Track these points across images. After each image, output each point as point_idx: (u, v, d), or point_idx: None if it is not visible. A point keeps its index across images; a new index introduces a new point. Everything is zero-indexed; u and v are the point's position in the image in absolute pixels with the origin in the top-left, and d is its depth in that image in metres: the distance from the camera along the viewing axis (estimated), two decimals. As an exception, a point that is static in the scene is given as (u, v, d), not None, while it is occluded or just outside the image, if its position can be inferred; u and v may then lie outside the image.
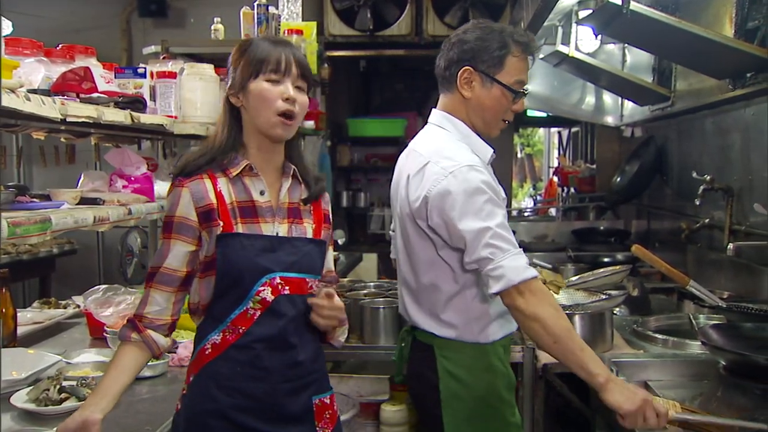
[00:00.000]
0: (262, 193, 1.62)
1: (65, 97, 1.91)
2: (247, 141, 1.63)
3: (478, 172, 1.78)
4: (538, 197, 8.66)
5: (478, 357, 1.88)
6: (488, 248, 1.69)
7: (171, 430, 1.70)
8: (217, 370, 1.58)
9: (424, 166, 1.84)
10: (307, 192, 1.69)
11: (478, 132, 1.91)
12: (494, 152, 1.92)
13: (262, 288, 1.57)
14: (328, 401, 1.69)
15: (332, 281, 1.82)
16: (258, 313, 1.58)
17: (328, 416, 1.68)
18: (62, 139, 2.66)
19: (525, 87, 1.87)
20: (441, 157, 1.82)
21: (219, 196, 1.58)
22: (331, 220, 1.77)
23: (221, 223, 1.56)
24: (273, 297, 1.57)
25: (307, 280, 1.62)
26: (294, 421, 1.62)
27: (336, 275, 1.85)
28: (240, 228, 1.58)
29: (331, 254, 1.82)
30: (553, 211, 5.90)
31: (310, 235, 1.66)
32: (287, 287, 1.59)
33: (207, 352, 1.59)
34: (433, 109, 1.99)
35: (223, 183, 1.59)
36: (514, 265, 1.68)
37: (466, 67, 1.85)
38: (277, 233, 1.61)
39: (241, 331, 1.57)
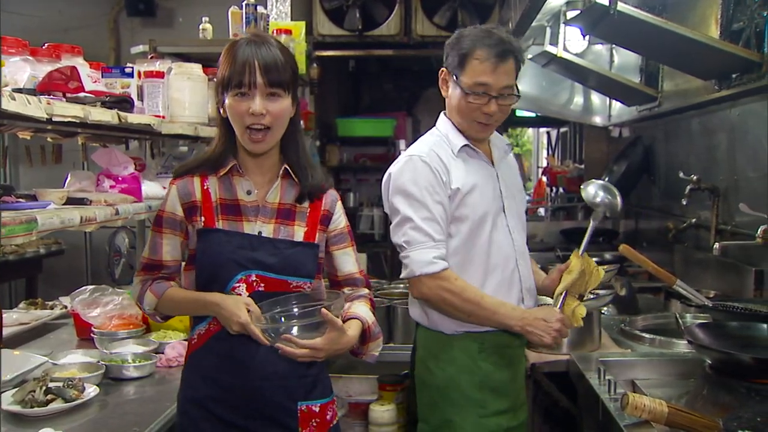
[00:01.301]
0: (249, 192, 1.65)
1: (51, 96, 1.89)
2: (239, 145, 1.66)
3: (419, 162, 1.87)
4: (527, 197, 8.69)
5: (441, 347, 1.94)
6: (405, 237, 1.86)
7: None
8: (200, 359, 1.64)
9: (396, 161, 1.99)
10: (299, 193, 1.68)
11: (464, 132, 1.96)
12: (469, 144, 1.94)
13: (237, 284, 1.59)
14: (317, 409, 1.65)
15: (357, 283, 1.77)
16: None
17: (315, 424, 1.64)
18: (49, 139, 2.64)
19: (490, 89, 1.87)
20: (405, 151, 1.97)
21: (205, 193, 1.64)
22: (335, 220, 1.73)
23: (203, 219, 1.62)
24: (247, 294, 1.59)
25: (290, 281, 1.62)
26: (273, 422, 1.61)
27: (364, 277, 1.80)
28: (221, 224, 1.62)
29: (346, 255, 1.76)
30: (542, 211, 5.92)
31: (299, 238, 1.65)
32: (263, 284, 1.60)
33: (193, 342, 1.66)
34: None
35: (211, 181, 1.65)
36: (420, 258, 1.83)
37: (443, 68, 1.96)
38: (259, 233, 1.62)
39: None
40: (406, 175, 1.89)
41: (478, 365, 1.92)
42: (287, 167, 1.67)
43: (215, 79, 1.65)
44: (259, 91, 1.57)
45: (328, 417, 1.67)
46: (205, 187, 1.64)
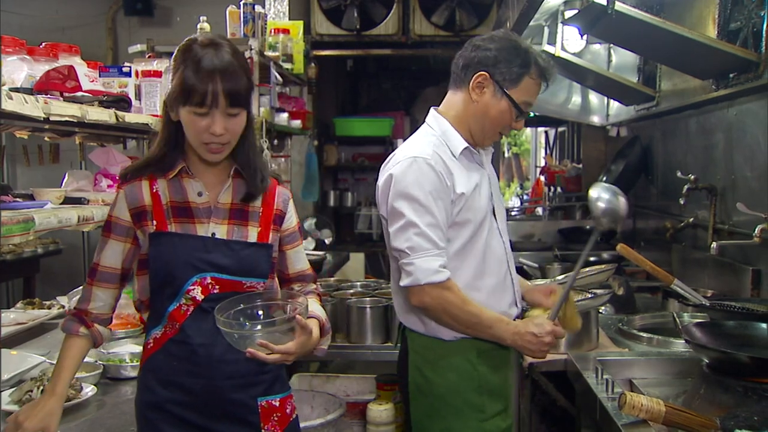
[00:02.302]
0: (200, 194, 1.61)
1: (48, 95, 1.89)
2: (187, 147, 1.62)
3: (424, 164, 1.81)
4: (525, 196, 8.68)
5: (441, 354, 1.90)
6: (408, 243, 1.79)
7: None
8: (157, 363, 1.61)
9: (389, 161, 1.92)
10: (247, 189, 1.64)
11: (473, 136, 1.92)
12: (470, 147, 1.91)
13: (192, 287, 1.58)
14: (277, 404, 1.66)
15: (306, 279, 1.79)
16: (190, 309, 1.59)
17: (276, 419, 1.65)
18: (46, 138, 2.64)
19: (530, 108, 1.90)
20: (401, 150, 1.90)
21: (155, 196, 1.60)
22: (288, 219, 1.71)
23: (155, 223, 1.59)
24: (203, 296, 1.58)
25: (244, 282, 1.61)
26: (236, 421, 1.61)
27: (313, 273, 1.81)
28: (173, 227, 1.59)
29: (298, 253, 1.77)
30: (539, 211, 5.92)
31: (253, 239, 1.63)
32: (217, 286, 1.59)
33: (149, 347, 1.63)
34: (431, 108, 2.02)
35: (160, 184, 1.61)
36: (426, 267, 1.77)
37: (483, 73, 1.85)
38: (213, 234, 1.60)
39: (177, 326, 1.60)
40: (411, 178, 1.81)
41: (477, 369, 1.90)
42: (237, 167, 1.63)
43: (169, 78, 1.57)
44: (220, 112, 1.52)
45: (287, 411, 1.68)
46: (154, 190, 1.60)
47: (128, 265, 1.64)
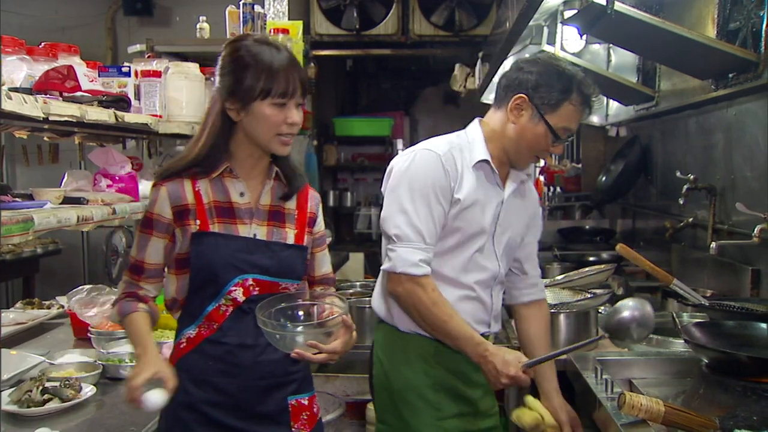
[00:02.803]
0: (242, 194, 1.63)
1: (48, 95, 1.89)
2: (234, 148, 1.62)
3: (431, 157, 1.82)
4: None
5: (399, 347, 1.91)
6: (396, 229, 1.80)
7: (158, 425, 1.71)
8: (191, 363, 1.60)
9: (407, 149, 1.94)
10: (287, 190, 1.68)
11: (508, 156, 1.90)
12: (489, 162, 1.88)
13: (234, 288, 1.58)
14: (306, 402, 1.68)
15: (329, 282, 1.81)
16: (230, 309, 1.59)
17: (305, 417, 1.67)
18: (45, 138, 2.63)
19: (569, 135, 1.86)
20: (423, 142, 1.91)
21: (197, 195, 1.60)
22: (318, 222, 1.75)
23: (198, 222, 1.58)
24: (244, 298, 1.59)
25: (281, 283, 1.62)
26: (268, 420, 1.63)
27: (333, 276, 1.84)
28: (216, 227, 1.59)
29: (325, 256, 1.80)
30: (539, 211, 5.92)
31: (290, 240, 1.66)
32: (258, 288, 1.60)
33: (182, 346, 1.63)
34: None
35: (202, 183, 1.61)
36: (406, 257, 1.79)
37: (522, 96, 1.83)
38: (254, 235, 1.62)
39: (214, 326, 1.60)
40: (417, 167, 1.82)
41: (433, 367, 1.90)
42: (278, 169, 1.66)
43: (227, 79, 1.57)
44: (294, 102, 1.57)
45: (314, 410, 1.71)
46: (197, 189, 1.60)
47: (167, 261, 1.64)
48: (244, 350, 1.59)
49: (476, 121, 1.96)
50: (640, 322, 1.74)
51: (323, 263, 1.79)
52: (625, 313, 1.76)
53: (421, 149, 1.86)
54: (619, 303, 1.78)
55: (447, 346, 1.88)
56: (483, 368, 1.81)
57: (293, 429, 1.65)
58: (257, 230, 1.62)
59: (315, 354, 1.54)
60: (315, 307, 1.63)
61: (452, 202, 1.83)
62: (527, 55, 1.92)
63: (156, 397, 1.43)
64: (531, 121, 1.83)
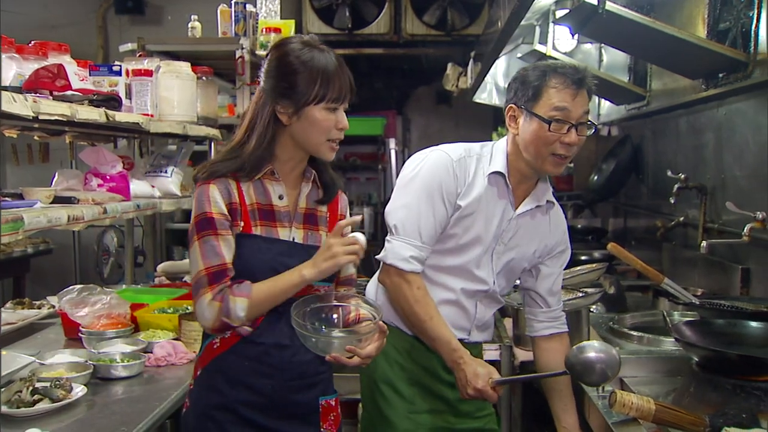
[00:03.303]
0: (281, 197, 1.62)
1: (38, 94, 1.88)
2: (279, 151, 1.61)
3: (442, 159, 1.85)
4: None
5: None
6: (397, 221, 1.85)
7: (181, 429, 1.69)
8: (226, 363, 1.60)
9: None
10: (324, 196, 1.68)
11: (531, 166, 1.86)
12: (505, 176, 1.87)
13: None
14: (333, 403, 1.70)
15: (352, 284, 1.80)
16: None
17: (332, 418, 1.69)
18: (36, 137, 2.63)
19: (570, 116, 1.77)
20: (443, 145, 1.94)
21: (241, 196, 1.58)
22: None
23: (242, 224, 1.57)
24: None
25: (315, 286, 1.62)
26: (300, 420, 1.64)
27: (355, 277, 1.83)
28: (259, 230, 1.58)
29: None
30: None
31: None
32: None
33: (215, 347, 1.61)
34: None
35: (245, 185, 1.59)
36: (398, 251, 1.83)
37: (511, 105, 1.86)
38: (293, 239, 1.62)
39: (251, 327, 1.58)
40: (428, 166, 1.85)
41: (408, 362, 1.94)
42: (315, 173, 1.67)
43: (277, 81, 1.56)
44: (344, 106, 1.58)
45: (339, 410, 1.73)
46: (241, 190, 1.58)
47: None
48: (280, 350, 1.59)
49: (506, 137, 1.94)
50: (607, 364, 1.70)
51: (349, 265, 1.76)
52: (591, 354, 1.71)
53: (437, 150, 1.89)
54: (585, 343, 1.76)
55: (423, 344, 1.91)
56: (455, 374, 1.84)
57: (322, 429, 1.67)
58: (296, 233, 1.62)
59: (349, 357, 1.54)
60: (341, 308, 1.62)
61: (455, 207, 1.85)
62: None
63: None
64: (526, 122, 1.83)
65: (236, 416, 1.59)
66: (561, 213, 2.03)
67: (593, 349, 1.72)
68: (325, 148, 1.59)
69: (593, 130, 1.85)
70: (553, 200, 1.99)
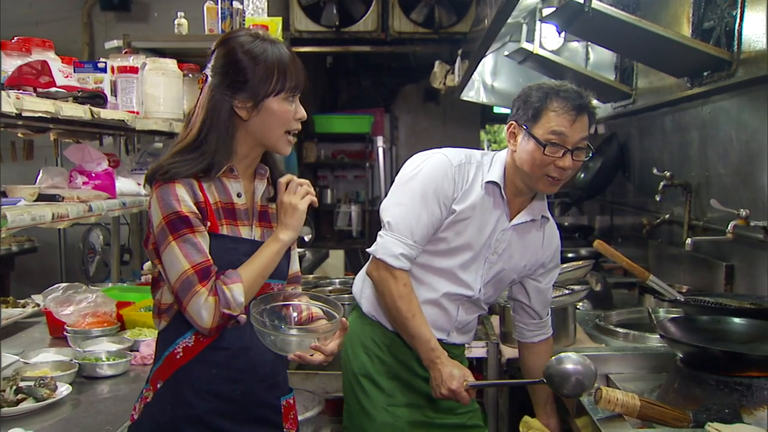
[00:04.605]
0: (239, 195, 1.57)
1: (21, 91, 1.86)
2: (237, 147, 1.56)
3: (442, 163, 1.87)
4: (505, 193, 8.71)
5: (359, 331, 2.00)
6: (391, 218, 1.88)
7: None
8: (192, 374, 1.53)
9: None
10: (274, 192, 1.63)
11: (524, 183, 1.87)
12: (500, 187, 1.89)
13: None
14: (292, 402, 1.69)
15: (298, 281, 1.79)
16: None
17: (292, 417, 1.67)
18: (19, 135, 2.60)
19: (567, 141, 1.78)
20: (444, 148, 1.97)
21: (205, 195, 1.52)
22: None
23: (208, 224, 1.51)
24: None
25: (270, 283, 1.60)
26: (264, 422, 1.61)
27: (300, 274, 1.82)
28: (225, 230, 1.53)
29: (296, 254, 1.78)
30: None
31: None
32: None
33: (178, 357, 1.53)
34: None
35: (206, 183, 1.53)
36: (389, 247, 1.86)
37: (511, 122, 1.87)
38: (254, 237, 1.58)
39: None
40: (428, 168, 1.88)
41: (387, 355, 1.98)
42: (268, 169, 1.63)
43: (231, 77, 1.51)
44: (297, 97, 1.57)
45: (296, 408, 1.72)
46: (203, 190, 1.52)
47: None
48: (245, 353, 1.56)
49: (508, 150, 1.93)
50: (584, 376, 1.71)
51: (294, 261, 1.76)
52: (569, 366, 1.72)
53: (439, 153, 1.91)
54: (563, 354, 1.77)
55: (403, 340, 1.93)
56: (430, 373, 1.86)
57: (285, 429, 1.64)
58: (255, 232, 1.59)
59: (311, 356, 1.53)
60: (292, 306, 1.61)
61: (450, 211, 1.87)
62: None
63: None
64: (523, 141, 1.83)
65: (205, 427, 1.53)
66: (556, 229, 2.04)
67: (571, 361, 1.73)
68: (283, 142, 1.57)
69: (590, 155, 1.87)
70: (549, 216, 2.00)
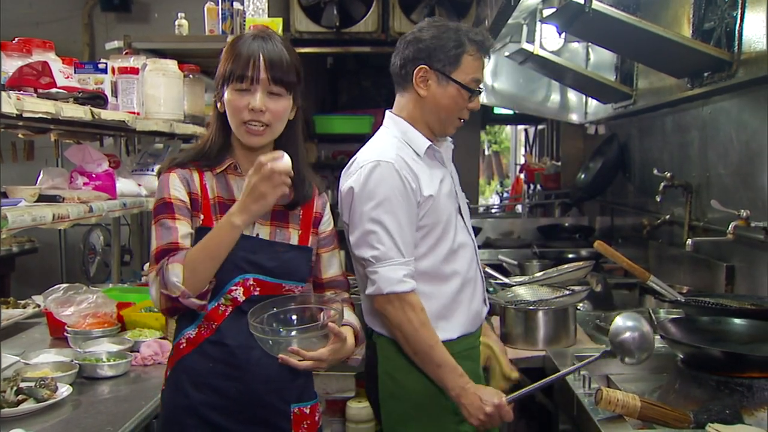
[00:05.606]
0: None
1: (21, 92, 1.86)
2: (234, 141, 1.61)
3: (386, 169, 1.74)
4: (505, 194, 8.73)
5: (408, 357, 1.81)
6: (372, 251, 1.72)
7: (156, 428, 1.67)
8: (191, 365, 1.57)
9: (351, 165, 1.86)
10: (293, 196, 1.62)
11: (432, 130, 1.87)
12: (432, 145, 1.84)
13: (234, 288, 1.55)
14: (308, 411, 1.65)
15: (340, 286, 1.74)
16: (229, 310, 1.56)
17: (306, 426, 1.64)
18: (20, 135, 2.60)
19: (480, 85, 1.85)
20: (363, 153, 1.84)
21: (203, 188, 1.57)
22: (324, 222, 1.71)
23: (202, 217, 1.55)
24: (244, 298, 1.56)
25: (284, 285, 1.59)
26: (266, 425, 1.59)
27: (346, 280, 1.77)
28: None
29: (332, 258, 1.74)
30: (519, 208, 5.96)
31: (294, 241, 1.63)
32: (258, 288, 1.57)
33: (182, 347, 1.58)
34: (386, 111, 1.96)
35: (208, 178, 1.58)
36: (389, 276, 1.71)
37: (422, 66, 1.81)
38: (257, 235, 1.58)
39: (213, 326, 1.56)
40: (374, 183, 1.74)
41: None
42: None
43: (216, 74, 1.58)
44: (261, 87, 1.53)
45: (316, 418, 1.68)
46: (203, 182, 1.57)
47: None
48: (246, 352, 1.55)
49: (389, 114, 1.92)
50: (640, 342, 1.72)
51: (330, 265, 1.72)
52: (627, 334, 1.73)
53: (371, 163, 1.76)
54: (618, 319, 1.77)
55: (460, 344, 1.83)
56: (462, 401, 1.73)
57: None
58: (260, 230, 1.59)
59: (300, 361, 1.51)
60: (310, 311, 1.58)
61: (421, 203, 1.78)
62: (408, 37, 1.88)
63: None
64: (440, 87, 1.82)
65: (200, 419, 1.55)
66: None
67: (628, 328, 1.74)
68: (242, 133, 1.56)
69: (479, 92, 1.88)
70: (450, 139, 1.99)
